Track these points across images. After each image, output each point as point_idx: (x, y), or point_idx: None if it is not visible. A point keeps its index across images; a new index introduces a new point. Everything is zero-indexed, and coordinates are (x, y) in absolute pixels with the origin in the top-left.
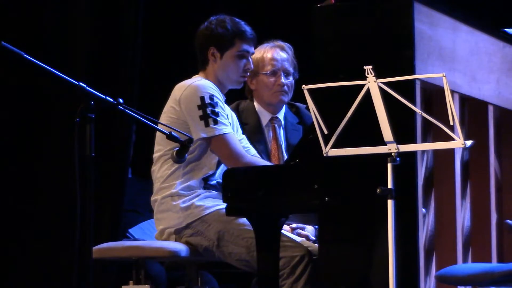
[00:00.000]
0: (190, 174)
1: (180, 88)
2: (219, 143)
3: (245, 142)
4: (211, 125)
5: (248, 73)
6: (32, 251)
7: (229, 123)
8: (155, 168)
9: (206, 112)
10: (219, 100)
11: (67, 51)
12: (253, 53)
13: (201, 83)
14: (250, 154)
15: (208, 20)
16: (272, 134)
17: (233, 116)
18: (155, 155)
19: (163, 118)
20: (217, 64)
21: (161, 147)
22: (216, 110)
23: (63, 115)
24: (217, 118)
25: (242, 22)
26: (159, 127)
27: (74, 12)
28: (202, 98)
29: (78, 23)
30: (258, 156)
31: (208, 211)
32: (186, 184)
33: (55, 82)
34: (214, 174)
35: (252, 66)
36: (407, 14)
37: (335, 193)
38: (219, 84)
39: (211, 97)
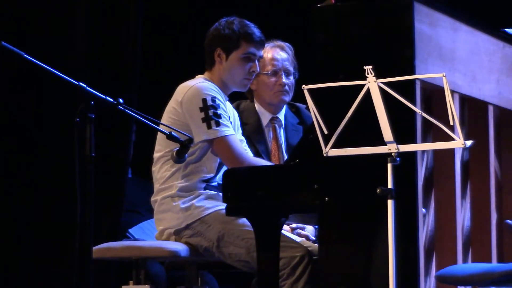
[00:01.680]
0: (189, 176)
1: (182, 90)
2: (221, 145)
3: (244, 144)
4: (214, 127)
5: (253, 76)
6: (32, 251)
7: (230, 124)
8: (155, 168)
9: (208, 114)
10: (221, 102)
11: (67, 51)
12: (261, 57)
13: (203, 85)
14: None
15: (218, 21)
16: (272, 134)
17: (235, 115)
18: (155, 155)
19: (165, 118)
20: (222, 66)
21: (161, 147)
22: (218, 112)
23: (63, 115)
24: (219, 120)
25: (252, 25)
26: (159, 127)
27: (74, 12)
28: (204, 100)
29: (78, 23)
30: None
31: (208, 212)
32: (185, 185)
33: (55, 82)
34: (214, 177)
35: (258, 69)
36: (407, 14)
37: (335, 193)
38: (223, 85)
39: (213, 99)
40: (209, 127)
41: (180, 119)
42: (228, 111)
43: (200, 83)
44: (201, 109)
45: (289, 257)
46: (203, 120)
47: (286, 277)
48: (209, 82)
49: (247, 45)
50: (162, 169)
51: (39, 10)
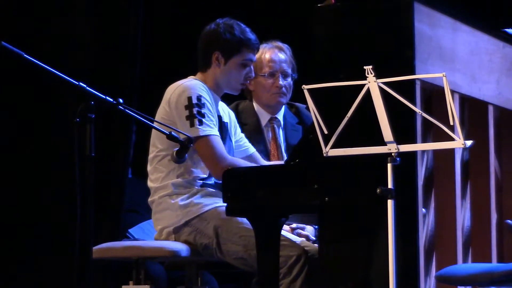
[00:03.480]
0: (184, 175)
1: (171, 89)
2: (201, 144)
3: (244, 141)
4: (196, 126)
5: (248, 81)
6: (32, 251)
7: (214, 125)
8: (150, 169)
9: (192, 112)
10: (207, 101)
11: (67, 51)
12: (254, 61)
13: (190, 83)
14: (249, 152)
15: (214, 22)
16: (271, 135)
17: (230, 114)
18: (150, 155)
19: (157, 119)
20: (220, 69)
21: (154, 148)
22: (202, 111)
23: (63, 115)
24: (203, 119)
25: (248, 29)
26: (159, 126)
27: (74, 13)
28: (190, 99)
29: (78, 23)
30: (258, 155)
31: (206, 209)
32: (182, 183)
33: (55, 82)
34: (210, 177)
35: (253, 74)
36: (407, 14)
37: (335, 193)
38: (217, 87)
39: (199, 97)
40: (191, 125)
41: (170, 118)
42: (221, 111)
43: (188, 82)
44: (186, 107)
45: (286, 256)
46: (187, 118)
47: (283, 276)
48: (197, 81)
49: (246, 52)
50: (157, 170)
51: (39, 10)
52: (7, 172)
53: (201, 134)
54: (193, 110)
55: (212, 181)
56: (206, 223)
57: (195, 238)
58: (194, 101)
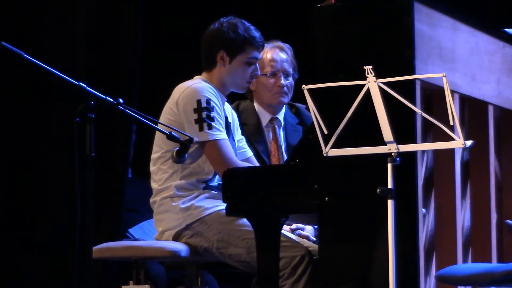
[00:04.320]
0: (188, 177)
1: (179, 90)
2: (211, 148)
3: (243, 143)
4: (205, 130)
5: (254, 79)
6: (32, 251)
7: (223, 128)
8: (153, 169)
9: (202, 116)
10: (216, 104)
11: (67, 51)
12: (260, 59)
13: (200, 85)
14: (247, 156)
15: (218, 21)
16: (272, 135)
17: (234, 116)
18: (153, 155)
19: (162, 119)
20: (225, 68)
21: (158, 148)
22: (211, 114)
23: (63, 115)
24: (212, 123)
25: (252, 27)
26: (159, 127)
27: (74, 12)
28: (199, 102)
29: (78, 23)
30: (254, 159)
31: (208, 212)
32: (184, 185)
33: (55, 82)
34: (213, 178)
35: (259, 72)
36: (407, 14)
37: (335, 193)
38: (222, 86)
39: (208, 101)
40: (201, 129)
41: (176, 119)
42: (226, 112)
43: (197, 84)
44: (195, 110)
45: (290, 257)
46: (196, 121)
47: (287, 277)
48: (206, 83)
49: (251, 50)
50: (160, 170)
51: (39, 10)
52: (7, 172)
53: (211, 139)
54: (203, 113)
55: (215, 183)
56: (207, 226)
57: (196, 241)
58: (204, 104)
